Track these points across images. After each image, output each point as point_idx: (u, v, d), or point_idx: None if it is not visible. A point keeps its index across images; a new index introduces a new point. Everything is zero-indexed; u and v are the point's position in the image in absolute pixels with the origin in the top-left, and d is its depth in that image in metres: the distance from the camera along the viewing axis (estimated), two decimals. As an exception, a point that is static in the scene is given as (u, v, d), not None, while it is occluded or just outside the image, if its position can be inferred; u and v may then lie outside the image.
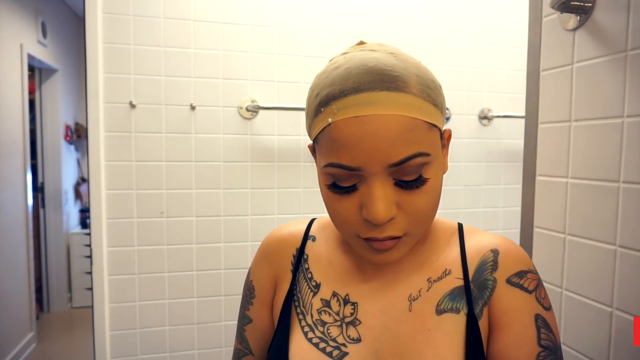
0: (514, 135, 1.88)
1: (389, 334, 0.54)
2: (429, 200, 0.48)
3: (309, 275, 0.60)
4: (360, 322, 0.55)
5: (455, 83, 1.83)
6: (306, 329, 0.56)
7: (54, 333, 3.33)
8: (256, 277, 0.65)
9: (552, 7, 0.84)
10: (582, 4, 0.82)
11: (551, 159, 0.92)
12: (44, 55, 3.30)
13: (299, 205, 1.71)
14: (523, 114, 0.99)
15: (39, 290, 3.55)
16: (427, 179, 0.47)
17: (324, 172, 0.49)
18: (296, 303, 0.59)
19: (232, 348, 0.70)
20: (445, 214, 1.84)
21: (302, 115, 1.69)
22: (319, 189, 0.53)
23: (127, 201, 1.57)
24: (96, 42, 1.49)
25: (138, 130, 1.57)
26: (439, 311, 0.53)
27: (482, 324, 0.52)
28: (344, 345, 0.54)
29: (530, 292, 0.53)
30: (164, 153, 1.59)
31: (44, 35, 3.29)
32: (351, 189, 0.47)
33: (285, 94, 1.67)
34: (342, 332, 0.55)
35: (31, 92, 3.39)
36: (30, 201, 3.07)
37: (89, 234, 1.54)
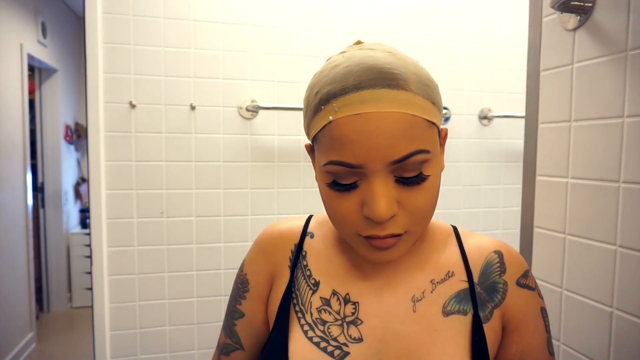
0: (514, 135, 1.88)
1: (393, 334, 0.54)
2: (428, 198, 0.48)
3: (308, 273, 0.59)
4: (361, 322, 0.55)
5: (455, 83, 1.83)
6: (306, 327, 0.55)
7: (54, 333, 3.33)
8: (251, 270, 0.63)
9: (552, 7, 0.84)
10: (582, 4, 0.82)
11: (551, 159, 0.92)
12: (44, 55, 3.30)
13: (298, 205, 1.71)
14: (523, 114, 0.99)
15: (39, 290, 3.55)
16: (427, 176, 0.48)
17: (323, 171, 0.49)
18: (294, 301, 0.58)
19: None
20: (446, 214, 1.85)
21: (302, 115, 1.69)
22: (318, 189, 0.53)
23: (127, 201, 1.57)
24: (96, 42, 1.49)
25: (138, 130, 1.57)
26: (446, 312, 0.54)
27: (492, 325, 0.54)
28: (345, 345, 0.54)
29: (533, 289, 0.58)
30: (164, 153, 1.59)
31: (44, 35, 3.29)
32: (352, 187, 0.47)
33: (285, 94, 1.68)
34: (343, 331, 0.54)
35: (31, 92, 3.39)
36: (30, 201, 3.08)
37: (89, 234, 1.54)
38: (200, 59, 1.60)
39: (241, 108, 1.64)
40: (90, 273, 1.57)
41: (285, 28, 1.66)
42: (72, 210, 3.97)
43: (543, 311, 0.57)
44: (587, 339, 0.83)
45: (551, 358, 0.57)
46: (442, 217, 1.84)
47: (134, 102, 1.55)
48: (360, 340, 0.54)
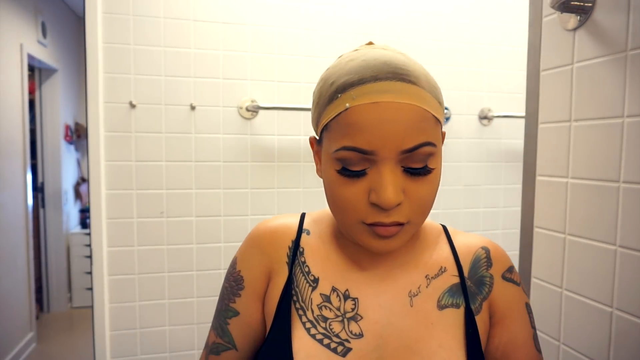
0: (514, 135, 1.88)
1: (392, 328, 0.55)
2: (431, 190, 0.51)
3: (306, 269, 0.59)
4: (362, 318, 0.55)
5: (455, 83, 1.83)
6: (308, 325, 0.55)
7: (54, 333, 3.33)
8: (246, 267, 0.62)
9: (552, 7, 0.84)
10: (582, 4, 0.82)
11: (551, 159, 0.92)
12: (44, 55, 3.30)
13: (298, 205, 1.71)
14: (523, 114, 0.99)
15: (39, 290, 3.55)
16: (432, 169, 0.50)
17: (334, 158, 0.50)
18: (295, 298, 0.58)
19: None
20: (446, 214, 1.85)
21: (302, 115, 1.69)
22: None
23: (127, 201, 1.57)
24: (96, 42, 1.49)
25: (138, 130, 1.57)
26: (441, 306, 0.56)
27: (481, 317, 0.57)
28: (347, 340, 0.54)
29: (518, 284, 0.60)
30: (164, 153, 1.59)
31: (44, 35, 3.29)
32: (360, 174, 0.49)
33: (285, 94, 1.68)
34: (344, 327, 0.55)
35: (31, 92, 3.39)
36: (30, 201, 3.08)
37: (89, 234, 1.54)
38: (200, 59, 1.60)
39: (241, 108, 1.64)
40: (90, 273, 1.57)
41: (285, 28, 1.66)
42: (72, 210, 3.97)
43: (528, 307, 0.60)
44: (587, 339, 0.83)
45: (538, 354, 0.58)
46: (442, 217, 1.84)
47: (134, 102, 1.55)
48: (360, 335, 0.55)
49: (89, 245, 1.53)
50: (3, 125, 2.67)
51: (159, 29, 1.56)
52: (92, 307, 1.55)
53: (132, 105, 1.55)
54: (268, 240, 0.62)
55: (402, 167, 0.49)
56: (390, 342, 0.54)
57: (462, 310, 0.56)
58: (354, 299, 0.56)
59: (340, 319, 0.56)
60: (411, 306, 0.56)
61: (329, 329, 0.55)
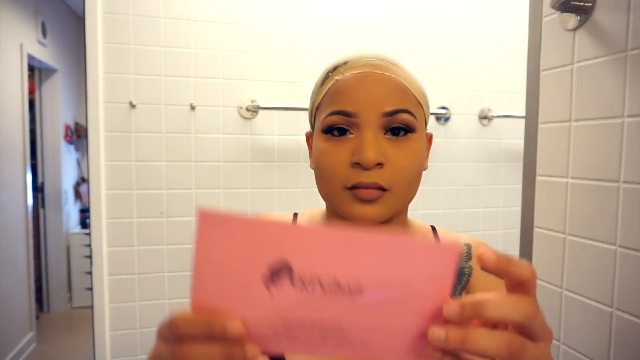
0: (514, 135, 1.88)
1: None
2: (412, 160, 0.53)
3: None
4: None
5: (455, 83, 1.83)
6: None
7: (53, 333, 3.33)
8: None
9: (552, 7, 0.84)
10: (582, 4, 0.82)
11: (551, 159, 0.92)
12: (44, 55, 3.30)
13: (298, 205, 1.71)
14: (523, 114, 0.99)
15: (38, 290, 3.55)
16: (413, 137, 0.54)
17: (321, 128, 0.55)
18: None
19: None
20: (445, 214, 1.85)
21: (302, 115, 1.69)
22: (314, 164, 0.57)
23: (127, 201, 1.57)
24: (96, 42, 1.49)
25: (138, 130, 1.57)
26: None
27: None
28: None
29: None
30: (164, 153, 1.59)
31: (44, 35, 3.29)
32: (344, 134, 0.53)
33: (285, 94, 1.68)
34: None
35: (31, 92, 3.39)
36: (30, 201, 3.08)
37: (89, 234, 1.54)
38: (200, 59, 1.60)
39: (241, 108, 1.64)
40: (90, 273, 1.57)
41: (285, 28, 1.66)
42: (72, 210, 3.97)
43: None
44: (587, 339, 0.83)
45: None
46: (442, 217, 1.84)
47: (134, 102, 1.55)
48: None
49: (89, 245, 1.53)
50: (3, 125, 2.67)
51: (159, 29, 1.56)
52: (92, 307, 1.55)
53: (132, 105, 1.55)
54: None
55: (383, 132, 0.53)
56: None
57: None
58: None
59: None
60: None
61: None
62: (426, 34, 1.77)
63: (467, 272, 0.60)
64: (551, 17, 0.91)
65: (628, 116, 0.75)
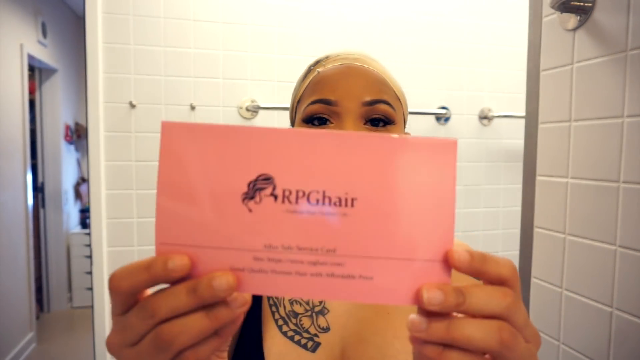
0: (514, 135, 1.88)
1: (354, 320, 0.56)
2: None
3: None
4: (328, 311, 0.57)
5: (455, 83, 1.82)
6: (280, 322, 0.56)
7: (54, 333, 3.33)
8: None
9: (552, 7, 0.84)
10: (582, 4, 0.82)
11: (551, 159, 0.92)
12: (44, 55, 3.30)
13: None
14: (523, 114, 0.99)
15: (39, 290, 3.55)
16: (392, 129, 0.55)
17: (302, 119, 0.55)
18: None
19: None
20: (445, 214, 1.85)
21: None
22: None
23: (127, 201, 1.57)
24: (96, 42, 1.49)
25: (138, 130, 1.57)
26: None
27: None
28: (316, 335, 0.55)
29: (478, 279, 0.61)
30: (164, 153, 1.59)
31: (44, 35, 3.29)
32: (326, 127, 0.54)
33: (285, 94, 1.67)
34: (312, 322, 0.56)
35: (31, 92, 3.39)
36: (30, 201, 3.08)
37: (89, 234, 1.54)
38: (200, 59, 1.60)
39: (241, 108, 1.64)
40: (90, 273, 1.57)
41: (285, 28, 1.66)
42: (72, 210, 3.97)
43: None
44: (587, 339, 0.83)
45: None
46: (442, 217, 1.84)
47: (134, 102, 1.55)
48: (327, 329, 0.55)
49: (89, 245, 1.53)
50: (3, 125, 2.67)
51: (159, 29, 1.56)
52: (92, 307, 1.55)
53: (132, 105, 1.55)
54: None
55: (363, 122, 0.53)
56: (352, 333, 0.55)
57: None
58: None
59: (309, 313, 0.56)
60: None
61: (299, 325, 0.56)
62: (426, 33, 1.77)
63: None
64: (551, 17, 0.91)
65: (628, 116, 0.75)
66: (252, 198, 0.27)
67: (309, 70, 0.59)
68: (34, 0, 3.11)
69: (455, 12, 1.80)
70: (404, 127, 0.60)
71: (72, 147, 3.99)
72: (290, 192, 0.27)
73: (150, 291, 0.29)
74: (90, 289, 1.56)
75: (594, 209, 0.82)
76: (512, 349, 0.27)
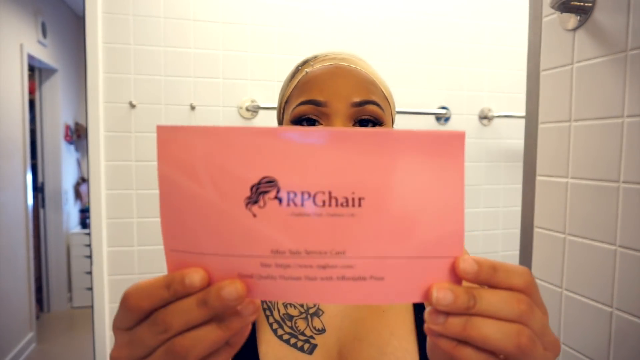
0: (514, 135, 1.88)
1: (349, 320, 0.56)
2: None
3: None
4: (323, 312, 0.56)
5: (455, 83, 1.82)
6: (275, 325, 0.56)
7: (53, 333, 3.33)
8: None
9: (552, 7, 0.84)
10: (582, 4, 0.81)
11: (551, 159, 0.92)
12: (44, 55, 3.30)
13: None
14: (523, 114, 0.99)
15: (38, 290, 3.55)
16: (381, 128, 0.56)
17: (290, 120, 0.55)
18: None
19: None
20: (445, 214, 1.84)
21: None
22: None
23: (127, 201, 1.57)
24: (96, 42, 1.49)
25: (138, 130, 1.57)
26: None
27: None
28: (312, 337, 0.55)
29: None
30: (164, 153, 1.59)
31: (44, 35, 3.29)
32: (313, 124, 0.54)
33: (285, 94, 1.67)
34: (308, 324, 0.55)
35: (31, 92, 3.39)
36: (30, 201, 3.08)
37: (89, 234, 1.54)
38: (200, 59, 1.60)
39: (241, 108, 1.64)
40: (90, 273, 1.57)
41: (285, 28, 1.66)
42: (72, 210, 3.97)
43: None
44: (587, 339, 0.83)
45: None
46: (442, 217, 1.84)
47: (133, 102, 1.55)
48: (323, 331, 0.55)
49: (89, 245, 1.53)
50: (3, 125, 2.67)
51: (159, 29, 1.56)
52: (92, 307, 1.55)
53: (132, 105, 1.55)
54: None
55: (352, 124, 0.53)
56: (348, 334, 0.55)
57: None
58: None
59: (304, 315, 0.56)
60: None
61: (294, 328, 0.55)
62: (426, 33, 1.77)
63: None
64: (551, 17, 0.91)
65: (628, 116, 0.75)
66: (256, 202, 0.26)
67: (297, 70, 0.59)
68: (34, 0, 3.11)
69: (455, 11, 1.80)
70: (392, 127, 0.59)
71: (72, 147, 3.99)
72: (295, 195, 0.26)
73: None
74: (90, 289, 1.56)
75: (594, 209, 0.82)
76: (529, 355, 0.26)
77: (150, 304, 0.27)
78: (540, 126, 0.94)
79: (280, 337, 0.55)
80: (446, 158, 0.26)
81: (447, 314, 0.26)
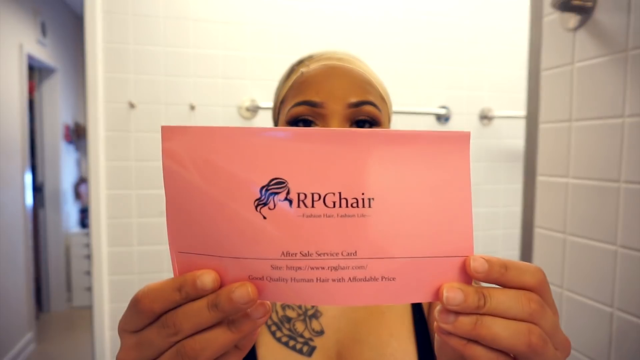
0: (514, 135, 1.88)
1: (348, 321, 0.55)
2: None
3: None
4: (321, 314, 0.56)
5: (455, 83, 1.82)
6: (273, 328, 0.55)
7: (53, 333, 3.33)
8: None
9: (553, 7, 0.84)
10: (582, 3, 0.81)
11: (551, 159, 0.91)
12: (44, 55, 3.30)
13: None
14: (523, 113, 0.99)
15: (38, 290, 3.55)
16: (378, 129, 0.56)
17: (286, 120, 0.54)
18: None
19: None
20: (445, 214, 1.85)
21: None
22: None
23: (127, 201, 1.57)
24: (96, 41, 1.49)
25: (138, 130, 1.56)
26: None
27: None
28: (310, 339, 0.54)
29: None
30: (163, 153, 1.59)
31: (44, 35, 3.28)
32: (309, 125, 0.54)
33: (285, 93, 1.67)
34: (306, 326, 0.55)
35: (30, 92, 3.39)
36: (29, 201, 3.07)
37: (88, 234, 1.54)
38: (200, 59, 1.60)
39: (241, 108, 1.64)
40: (90, 273, 1.56)
41: (286, 27, 1.65)
42: (71, 210, 3.97)
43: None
44: (587, 339, 0.83)
45: None
46: (442, 217, 1.84)
47: (133, 102, 1.54)
48: (322, 332, 0.55)
49: (89, 245, 1.53)
50: (2, 125, 2.67)
51: (159, 29, 1.56)
52: (91, 307, 1.55)
53: (132, 105, 1.55)
54: None
55: (349, 125, 0.53)
56: (347, 335, 0.55)
57: None
58: None
59: (302, 317, 0.56)
60: None
61: (293, 330, 0.55)
62: (426, 33, 1.77)
63: None
64: (552, 16, 0.91)
65: (628, 116, 0.75)
66: (265, 204, 0.25)
67: (292, 70, 0.58)
68: (33, 0, 3.11)
69: (455, 11, 1.79)
70: (389, 127, 0.59)
71: (71, 147, 3.99)
72: (306, 196, 0.25)
73: None
74: (90, 289, 1.56)
75: (594, 209, 0.82)
76: (539, 354, 0.26)
77: (162, 306, 0.27)
78: (541, 126, 0.94)
79: (278, 340, 0.54)
80: (452, 158, 0.27)
81: (458, 313, 0.26)
